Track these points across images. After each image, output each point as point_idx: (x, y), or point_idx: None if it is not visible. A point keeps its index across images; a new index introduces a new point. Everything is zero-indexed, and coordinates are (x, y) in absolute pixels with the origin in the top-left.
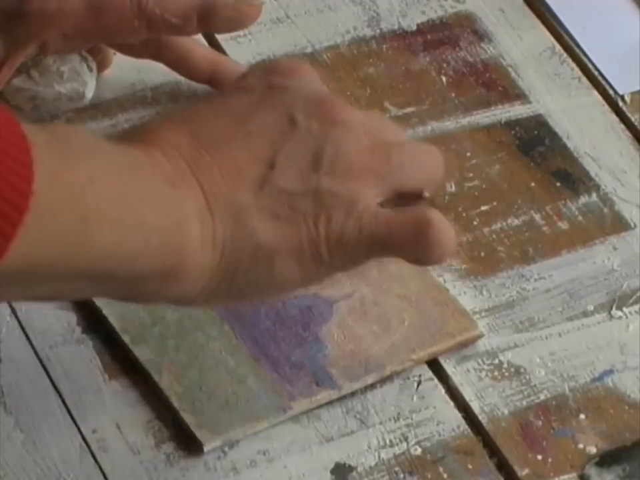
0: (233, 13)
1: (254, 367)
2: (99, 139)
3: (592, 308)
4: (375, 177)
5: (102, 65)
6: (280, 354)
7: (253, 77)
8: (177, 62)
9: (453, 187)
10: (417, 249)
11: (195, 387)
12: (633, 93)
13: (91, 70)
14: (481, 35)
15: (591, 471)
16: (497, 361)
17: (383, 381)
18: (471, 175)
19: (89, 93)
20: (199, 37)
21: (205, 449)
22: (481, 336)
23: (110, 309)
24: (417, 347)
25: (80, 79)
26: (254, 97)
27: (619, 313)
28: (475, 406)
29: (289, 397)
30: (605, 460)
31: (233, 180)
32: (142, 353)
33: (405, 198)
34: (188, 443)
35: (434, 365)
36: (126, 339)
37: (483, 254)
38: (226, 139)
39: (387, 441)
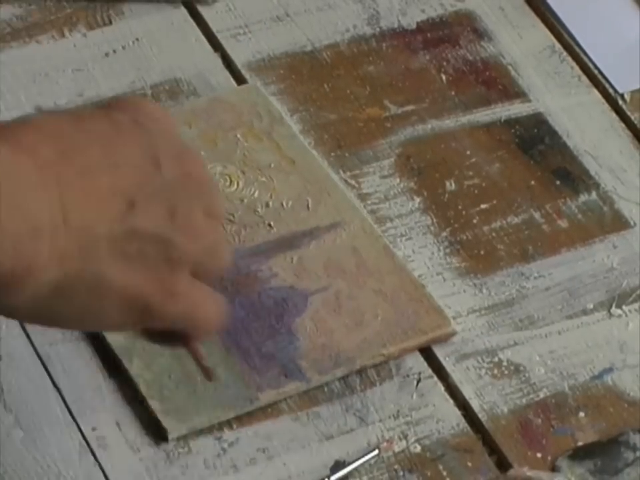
0: None
1: (224, 356)
2: None
3: (591, 306)
4: (202, 247)
5: None
6: (251, 344)
7: (117, 109)
8: None
9: (453, 185)
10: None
11: (164, 375)
12: (632, 92)
13: None
14: (480, 34)
15: (563, 463)
16: (496, 359)
17: (382, 378)
18: (471, 173)
19: None
20: (201, 35)
21: (170, 436)
22: (453, 333)
23: None
24: (389, 342)
25: None
26: (121, 129)
27: (619, 311)
28: (475, 404)
29: (257, 387)
30: (578, 453)
31: (94, 208)
32: (114, 338)
33: None
34: (153, 430)
35: (434, 363)
36: None
37: (482, 252)
38: (94, 166)
39: (387, 439)
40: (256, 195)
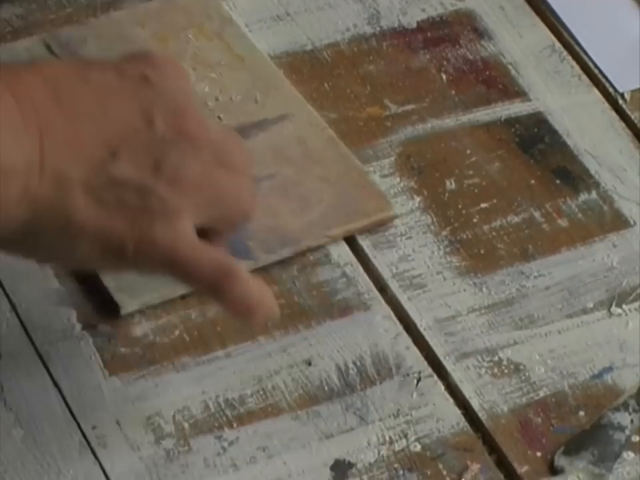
0: None
1: None
2: None
3: (591, 305)
4: (202, 199)
5: None
6: None
7: (132, 63)
8: None
9: (453, 184)
10: (210, 293)
11: None
12: (632, 91)
13: None
14: (481, 33)
15: (561, 461)
16: (496, 358)
17: (383, 377)
18: (471, 172)
19: None
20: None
21: (122, 311)
22: (395, 217)
23: None
24: (333, 225)
25: None
26: (124, 83)
27: (619, 310)
28: (475, 403)
29: None
30: (571, 447)
31: (74, 152)
32: None
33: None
34: (107, 309)
35: (434, 362)
36: None
37: (482, 251)
38: (83, 113)
39: (387, 438)
40: (206, 90)
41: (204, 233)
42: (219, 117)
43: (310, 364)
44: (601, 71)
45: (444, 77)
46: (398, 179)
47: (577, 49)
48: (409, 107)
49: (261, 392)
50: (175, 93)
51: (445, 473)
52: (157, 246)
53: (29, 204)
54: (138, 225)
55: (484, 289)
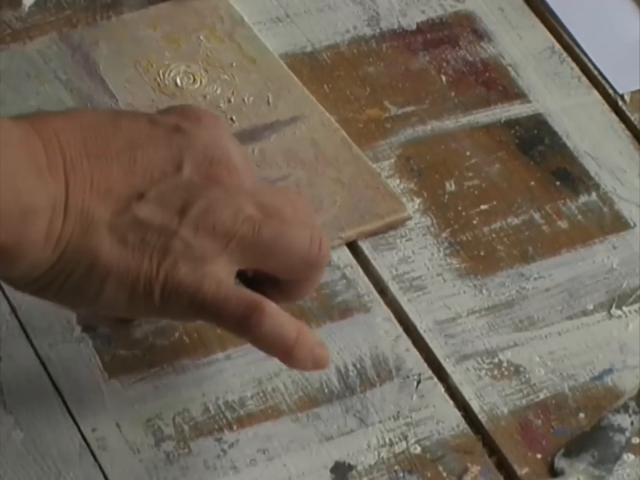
0: None
1: None
2: None
3: (591, 307)
4: (237, 245)
5: None
6: None
7: (166, 114)
8: None
9: (453, 186)
10: (241, 332)
11: None
12: (632, 92)
13: None
14: (480, 34)
15: (561, 463)
16: (496, 360)
17: (382, 379)
18: (471, 174)
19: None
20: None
21: None
22: (409, 218)
23: None
24: (346, 226)
25: None
26: (156, 130)
27: (619, 312)
28: (475, 405)
29: None
30: (571, 449)
31: (100, 193)
32: None
33: (263, 275)
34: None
35: (434, 364)
36: None
37: (482, 253)
38: (111, 155)
39: (387, 440)
40: (218, 91)
41: (276, 285)
42: (231, 119)
43: None
44: (600, 73)
45: (444, 78)
46: (398, 181)
47: (577, 50)
48: (409, 108)
49: (261, 394)
50: (207, 142)
51: (445, 475)
52: (183, 288)
53: (56, 245)
54: (163, 267)
55: (484, 291)
